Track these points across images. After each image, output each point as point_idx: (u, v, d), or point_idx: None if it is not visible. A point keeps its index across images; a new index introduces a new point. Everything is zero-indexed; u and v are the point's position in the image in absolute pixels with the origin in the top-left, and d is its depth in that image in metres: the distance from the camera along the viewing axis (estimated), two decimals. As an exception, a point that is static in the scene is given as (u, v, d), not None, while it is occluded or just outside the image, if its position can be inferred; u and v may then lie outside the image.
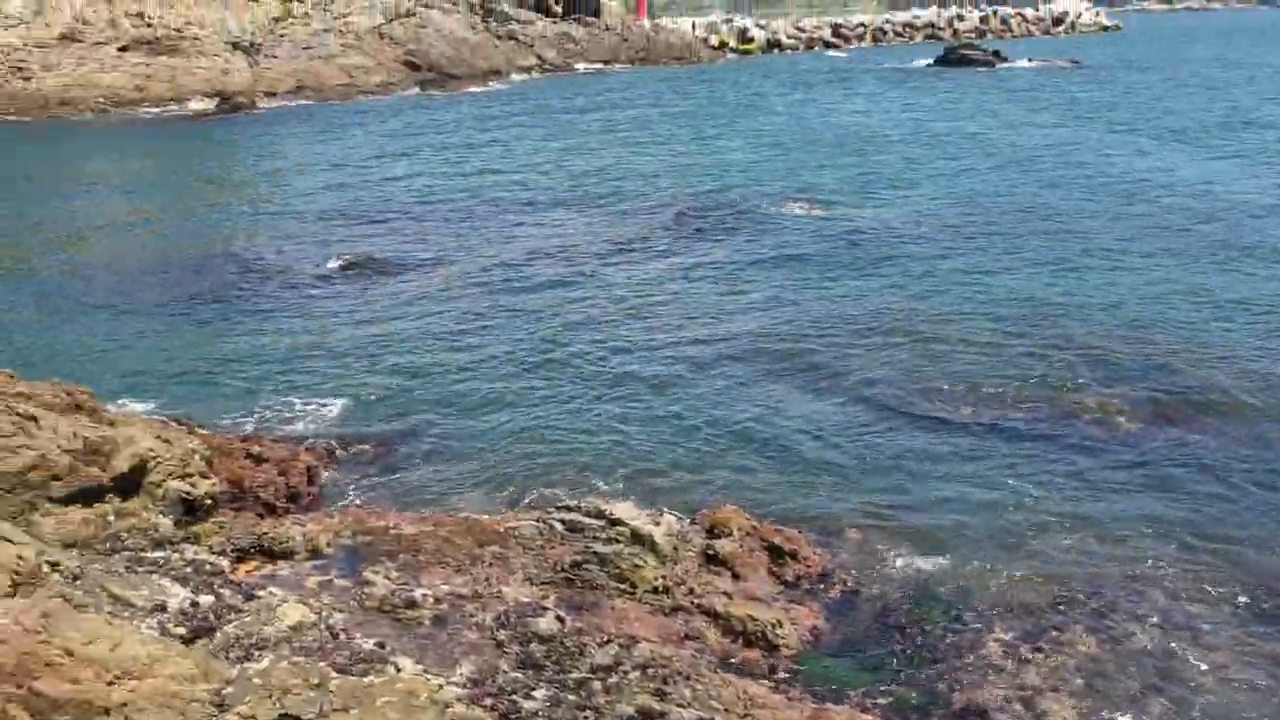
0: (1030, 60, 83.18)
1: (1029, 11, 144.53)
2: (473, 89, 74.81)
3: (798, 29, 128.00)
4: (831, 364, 17.40)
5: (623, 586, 10.25)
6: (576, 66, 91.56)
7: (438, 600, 9.73)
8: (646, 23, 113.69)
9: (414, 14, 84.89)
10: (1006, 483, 13.34)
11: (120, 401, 15.47)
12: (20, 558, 7.84)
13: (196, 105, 64.54)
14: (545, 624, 9.36)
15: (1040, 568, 11.42)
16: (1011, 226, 26.58)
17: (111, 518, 10.46)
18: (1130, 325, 18.82)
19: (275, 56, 74.76)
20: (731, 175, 35.89)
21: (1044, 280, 21.83)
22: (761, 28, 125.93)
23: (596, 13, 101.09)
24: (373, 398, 16.45)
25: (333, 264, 24.79)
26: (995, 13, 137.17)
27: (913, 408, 15.62)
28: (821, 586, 11.04)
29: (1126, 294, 20.77)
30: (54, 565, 8.71)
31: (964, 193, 31.23)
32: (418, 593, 9.80)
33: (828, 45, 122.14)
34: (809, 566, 11.25)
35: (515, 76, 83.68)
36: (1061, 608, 10.70)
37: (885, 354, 17.76)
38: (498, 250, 25.96)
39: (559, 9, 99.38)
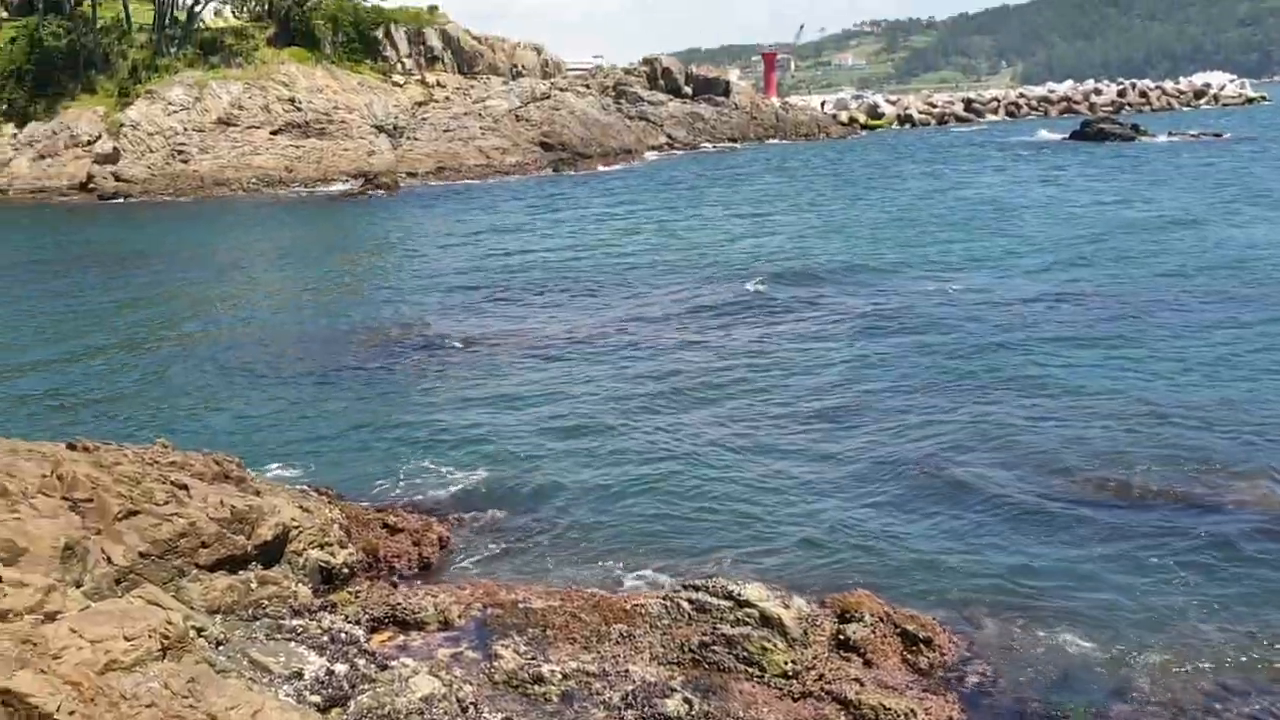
0: (1171, 134, 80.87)
1: (1168, 85, 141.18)
2: (602, 168, 76.40)
3: (929, 104, 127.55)
4: (961, 443, 16.99)
5: (751, 670, 10.09)
6: (706, 145, 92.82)
7: (565, 676, 9.73)
8: (775, 101, 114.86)
9: (549, 97, 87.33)
10: (1150, 566, 12.76)
11: (266, 468, 16.03)
12: (169, 623, 8.13)
13: (342, 185, 67.39)
14: (673, 705, 9.26)
15: (1191, 660, 10.85)
16: (1150, 303, 25.72)
17: (254, 585, 10.77)
18: (1284, 408, 17.95)
19: (417, 138, 77.71)
20: (857, 247, 35.74)
21: (1186, 360, 20.98)
22: (892, 103, 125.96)
23: (726, 92, 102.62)
24: (501, 467, 16.67)
25: (462, 335, 25.42)
26: (1134, 86, 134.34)
27: (1048, 488, 15.12)
28: (957, 675, 10.68)
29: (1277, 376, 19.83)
30: (200, 630, 9.01)
31: (1101, 269, 30.37)
32: (545, 668, 9.82)
33: (960, 120, 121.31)
34: (944, 654, 10.90)
35: (647, 155, 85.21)
36: (1215, 705, 10.13)
37: (1016, 431, 17.27)
38: (622, 321, 26.28)
39: (689, 90, 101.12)
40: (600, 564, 13.39)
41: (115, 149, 69.35)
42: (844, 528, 14.19)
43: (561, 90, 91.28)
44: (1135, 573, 12.70)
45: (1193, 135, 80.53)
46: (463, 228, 46.28)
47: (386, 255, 39.93)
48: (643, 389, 20.55)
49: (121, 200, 63.19)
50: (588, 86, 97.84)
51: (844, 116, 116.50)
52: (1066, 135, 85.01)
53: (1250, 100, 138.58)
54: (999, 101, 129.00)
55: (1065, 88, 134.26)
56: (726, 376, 21.20)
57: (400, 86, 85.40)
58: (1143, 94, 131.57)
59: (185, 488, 11.09)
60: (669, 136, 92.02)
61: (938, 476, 15.80)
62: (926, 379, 20.54)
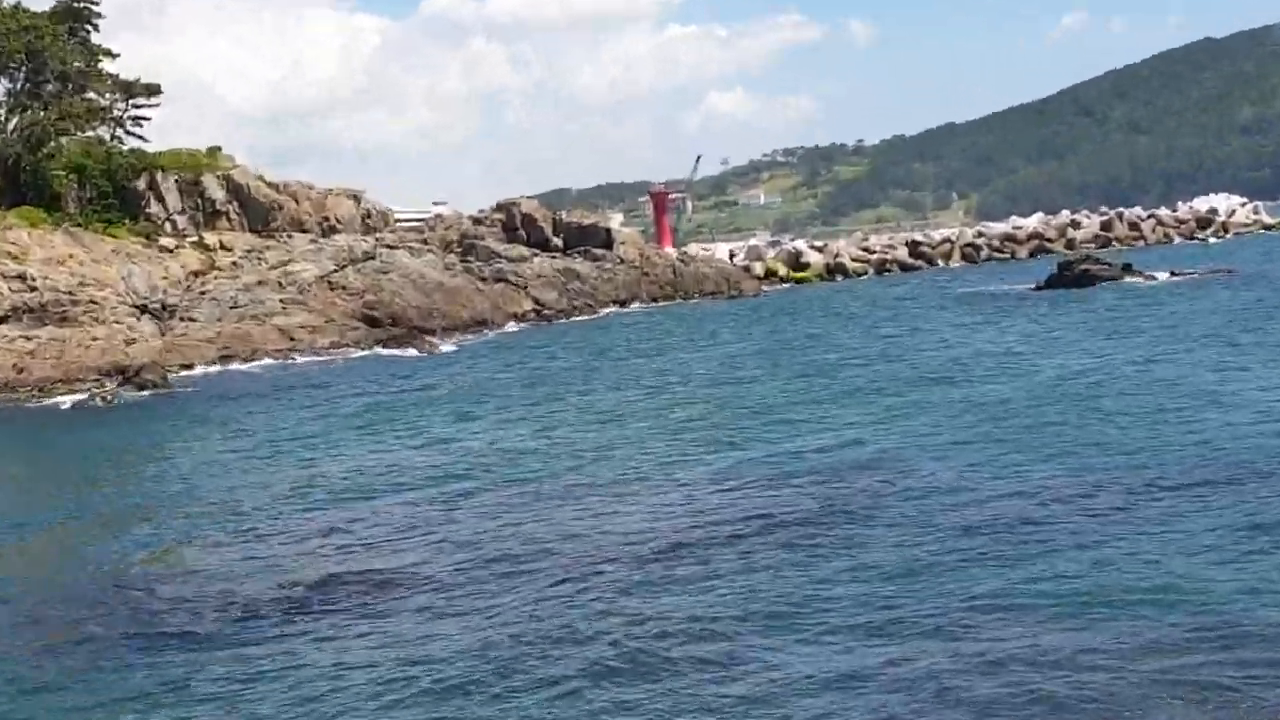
0: (1173, 272, 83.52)
1: (1164, 212, 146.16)
2: (445, 346, 76.70)
3: (864, 249, 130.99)
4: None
5: None
6: (583, 309, 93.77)
7: None
8: (672, 252, 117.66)
9: (374, 257, 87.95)
10: None
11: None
12: None
13: (90, 387, 65.82)
14: None
15: None
16: (1192, 501, 25.45)
17: None
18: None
19: (193, 319, 77.14)
20: (787, 451, 35.53)
21: (1210, 564, 20.51)
22: (818, 249, 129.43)
23: (608, 243, 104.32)
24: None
25: (291, 585, 24.51)
26: (1120, 216, 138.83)
27: None
28: None
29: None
30: None
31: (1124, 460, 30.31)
32: None
33: (905, 268, 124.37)
34: None
35: (509, 326, 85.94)
36: None
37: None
38: (486, 546, 25.77)
39: (559, 241, 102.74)
40: None
41: None
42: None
43: (390, 248, 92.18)
44: None
45: (1199, 273, 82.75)
46: (253, 440, 45.41)
47: (159, 485, 38.80)
48: (533, 636, 19.62)
49: None
50: (425, 241, 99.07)
51: (759, 268, 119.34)
52: (1040, 283, 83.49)
53: (1268, 228, 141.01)
54: (952, 243, 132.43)
55: (1034, 221, 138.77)
56: (627, 616, 20.35)
57: (170, 252, 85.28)
58: (1133, 225, 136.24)
59: None
60: (536, 301, 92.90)
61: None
62: (916, 598, 20.13)
